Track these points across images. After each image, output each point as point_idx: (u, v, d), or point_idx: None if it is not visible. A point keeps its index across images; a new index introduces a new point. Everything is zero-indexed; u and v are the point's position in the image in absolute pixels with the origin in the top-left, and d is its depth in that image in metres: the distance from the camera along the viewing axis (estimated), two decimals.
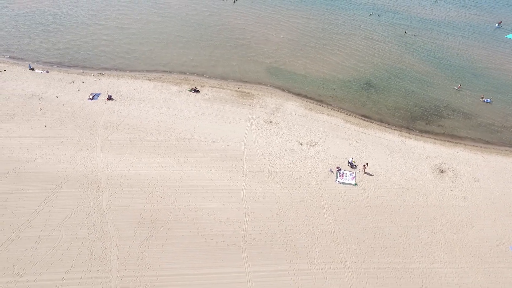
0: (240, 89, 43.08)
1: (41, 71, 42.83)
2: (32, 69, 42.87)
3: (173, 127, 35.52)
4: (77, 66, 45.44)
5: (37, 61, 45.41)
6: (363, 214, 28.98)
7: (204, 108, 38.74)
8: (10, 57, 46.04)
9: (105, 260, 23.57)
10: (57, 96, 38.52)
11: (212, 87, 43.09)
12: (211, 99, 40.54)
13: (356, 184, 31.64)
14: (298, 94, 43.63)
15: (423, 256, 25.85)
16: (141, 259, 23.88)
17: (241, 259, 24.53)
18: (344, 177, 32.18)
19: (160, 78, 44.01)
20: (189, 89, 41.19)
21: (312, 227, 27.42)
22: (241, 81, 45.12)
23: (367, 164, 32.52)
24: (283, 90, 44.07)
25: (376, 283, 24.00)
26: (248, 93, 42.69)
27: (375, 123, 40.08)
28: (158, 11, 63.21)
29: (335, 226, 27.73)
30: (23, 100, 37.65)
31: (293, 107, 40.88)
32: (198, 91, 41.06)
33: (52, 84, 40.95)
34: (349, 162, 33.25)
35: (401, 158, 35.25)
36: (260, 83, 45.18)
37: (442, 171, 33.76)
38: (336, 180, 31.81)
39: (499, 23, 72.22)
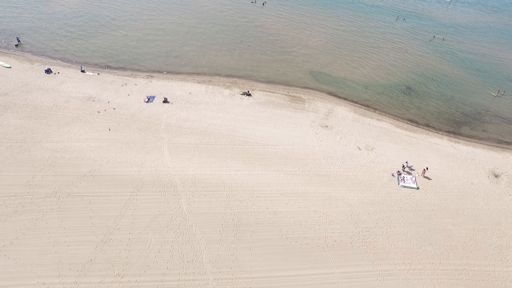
0: (289, 93, 43.94)
1: (92, 73, 43.05)
2: (83, 71, 43.06)
3: (234, 130, 36.24)
4: (124, 69, 45.87)
5: (85, 63, 45.64)
6: (430, 217, 30.11)
7: (259, 112, 39.52)
8: (60, 59, 46.23)
9: (197, 263, 24.23)
10: (109, 101, 38.77)
11: (262, 90, 43.91)
12: (264, 103, 41.30)
13: (418, 188, 32.76)
14: (345, 99, 44.69)
15: (496, 259, 27.03)
16: (233, 261, 24.61)
17: (327, 261, 25.42)
18: (405, 180, 33.20)
19: (210, 81, 44.66)
20: (241, 93, 41.93)
21: (386, 230, 28.45)
22: (288, 84, 46.02)
23: (427, 168, 33.73)
24: (330, 94, 45.09)
25: (457, 285, 25.07)
26: (298, 97, 43.59)
27: (423, 128, 41.38)
28: (189, 13, 63.74)
29: (407, 228, 28.80)
30: (82, 103, 37.92)
31: (344, 112, 41.93)
32: (250, 94, 41.76)
33: (105, 87, 41.29)
34: (403, 166, 34.46)
35: (454, 162, 36.52)
36: (306, 87, 46.14)
37: (496, 176, 35.05)
38: (398, 183, 32.98)
39: None
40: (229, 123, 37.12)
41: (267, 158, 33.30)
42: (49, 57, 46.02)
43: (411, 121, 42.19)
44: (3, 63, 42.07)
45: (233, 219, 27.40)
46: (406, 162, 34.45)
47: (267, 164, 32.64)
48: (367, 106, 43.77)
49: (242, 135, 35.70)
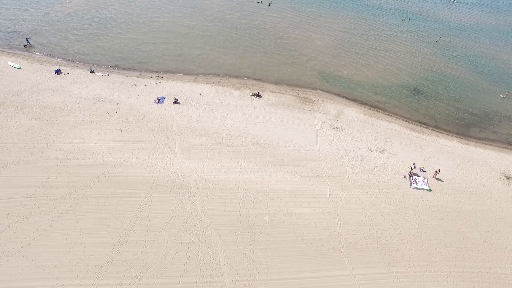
0: (299, 95, 43.89)
1: (102, 74, 42.97)
2: (92, 72, 42.95)
3: (246, 132, 36.19)
4: (133, 69, 45.75)
5: (94, 63, 45.49)
6: (444, 219, 30.13)
7: (270, 113, 39.47)
8: (69, 59, 46.13)
9: (215, 265, 24.23)
10: (118, 103, 38.71)
11: (272, 92, 43.87)
12: (274, 104, 41.28)
13: (430, 190, 32.81)
14: (354, 100, 44.64)
15: None
16: (249, 263, 24.62)
17: (342, 263, 25.43)
18: (417, 182, 33.26)
19: (219, 82, 44.63)
20: (251, 94, 41.89)
21: (400, 231, 28.45)
22: (296, 85, 45.97)
23: (439, 170, 33.74)
24: (339, 95, 45.04)
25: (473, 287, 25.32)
26: (308, 98, 43.57)
27: (433, 130, 41.38)
28: (196, 15, 63.62)
29: (421, 230, 28.82)
30: (92, 104, 37.88)
31: (353, 113, 41.89)
32: (260, 95, 41.74)
33: (115, 88, 41.22)
34: (411, 168, 34.14)
35: (465, 164, 36.57)
36: (315, 88, 46.07)
37: (508, 178, 35.04)
38: (410, 185, 33.01)
39: None
40: (240, 124, 37.16)
41: (280, 160, 33.33)
42: (58, 57, 45.88)
43: (421, 122, 42.17)
44: (13, 63, 42.03)
45: (248, 221, 27.41)
46: (414, 164, 34.49)
47: (279, 166, 32.68)
48: (376, 107, 43.74)
49: (254, 137, 35.74)
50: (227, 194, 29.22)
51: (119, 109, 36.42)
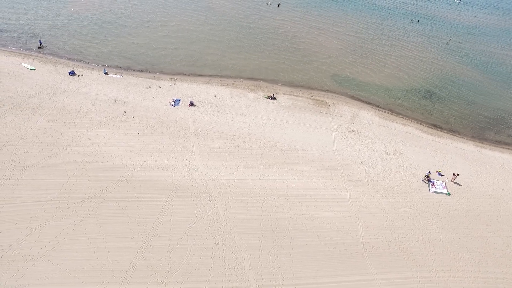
0: (313, 97, 43.83)
1: (115, 76, 42.84)
2: (106, 73, 42.86)
3: (263, 135, 36.09)
4: (146, 71, 45.66)
5: (107, 64, 45.39)
6: (464, 223, 30.05)
7: (286, 116, 39.39)
8: (82, 61, 46.04)
9: (240, 270, 24.10)
10: (131, 106, 38.52)
11: (287, 94, 43.79)
12: (290, 107, 41.19)
13: (449, 194, 32.75)
14: (367, 103, 44.57)
15: None
16: (274, 268, 24.48)
17: (366, 267, 25.34)
18: (436, 186, 33.24)
19: (233, 84, 44.53)
20: (266, 96, 41.78)
21: (422, 236, 28.36)
22: (310, 88, 45.93)
23: (458, 174, 33.67)
24: (352, 98, 44.98)
25: None
26: (322, 101, 43.49)
27: (448, 133, 41.30)
28: (207, 15, 63.58)
29: (442, 235, 28.75)
30: (107, 106, 37.76)
31: (368, 116, 41.81)
32: (275, 98, 41.63)
33: (130, 89, 41.10)
34: (426, 176, 33.37)
35: (483, 168, 36.48)
36: (328, 91, 46.02)
37: None
38: (429, 189, 32.96)
39: None
40: (257, 127, 37.05)
41: (298, 163, 33.23)
42: (71, 59, 45.80)
43: (435, 126, 42.10)
44: (27, 65, 41.88)
45: (271, 225, 27.29)
46: (429, 172, 33.95)
47: (298, 169, 32.58)
48: (390, 110, 43.63)
49: (271, 140, 35.63)
50: (248, 198, 29.14)
51: (133, 117, 35.95)
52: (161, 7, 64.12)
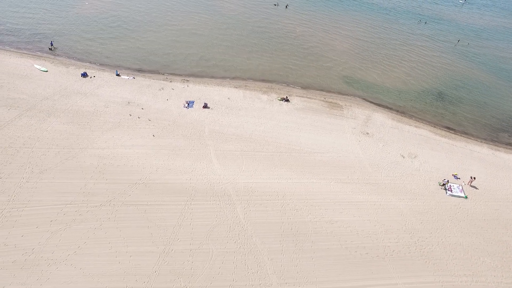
0: (326, 99, 43.73)
1: (128, 77, 42.64)
2: (118, 75, 42.60)
3: (279, 137, 35.95)
4: (158, 72, 45.45)
5: (118, 66, 45.12)
6: (484, 227, 29.99)
7: (301, 119, 39.28)
8: (93, 62, 45.74)
9: (263, 274, 23.94)
10: (143, 108, 38.18)
11: (300, 96, 43.70)
12: (303, 109, 41.09)
13: (466, 197, 32.69)
14: (380, 105, 44.52)
15: None
16: (297, 272, 24.36)
17: (388, 271, 25.23)
18: (452, 189, 33.16)
19: (246, 86, 44.40)
20: (279, 98, 41.68)
21: (441, 239, 28.30)
22: (322, 90, 45.81)
23: (474, 178, 33.61)
24: (365, 100, 44.90)
25: None
26: (336, 103, 43.41)
27: (461, 136, 41.32)
28: (216, 17, 63.41)
29: (462, 239, 28.68)
30: (121, 108, 37.57)
31: (381, 118, 41.76)
32: (288, 100, 41.49)
33: (143, 91, 40.92)
34: (442, 184, 32.97)
35: (499, 171, 36.41)
36: (341, 93, 45.93)
37: None
38: (446, 192, 32.86)
39: None
40: (272, 130, 36.91)
41: (316, 166, 33.11)
42: (83, 60, 45.50)
43: (448, 128, 42.08)
44: (40, 66, 41.65)
45: (291, 229, 27.19)
46: (444, 179, 33.18)
47: (316, 172, 32.48)
48: (403, 112, 43.62)
49: (287, 142, 35.53)
50: (268, 202, 29.01)
51: (149, 120, 35.54)
52: (169, 11, 63.79)
